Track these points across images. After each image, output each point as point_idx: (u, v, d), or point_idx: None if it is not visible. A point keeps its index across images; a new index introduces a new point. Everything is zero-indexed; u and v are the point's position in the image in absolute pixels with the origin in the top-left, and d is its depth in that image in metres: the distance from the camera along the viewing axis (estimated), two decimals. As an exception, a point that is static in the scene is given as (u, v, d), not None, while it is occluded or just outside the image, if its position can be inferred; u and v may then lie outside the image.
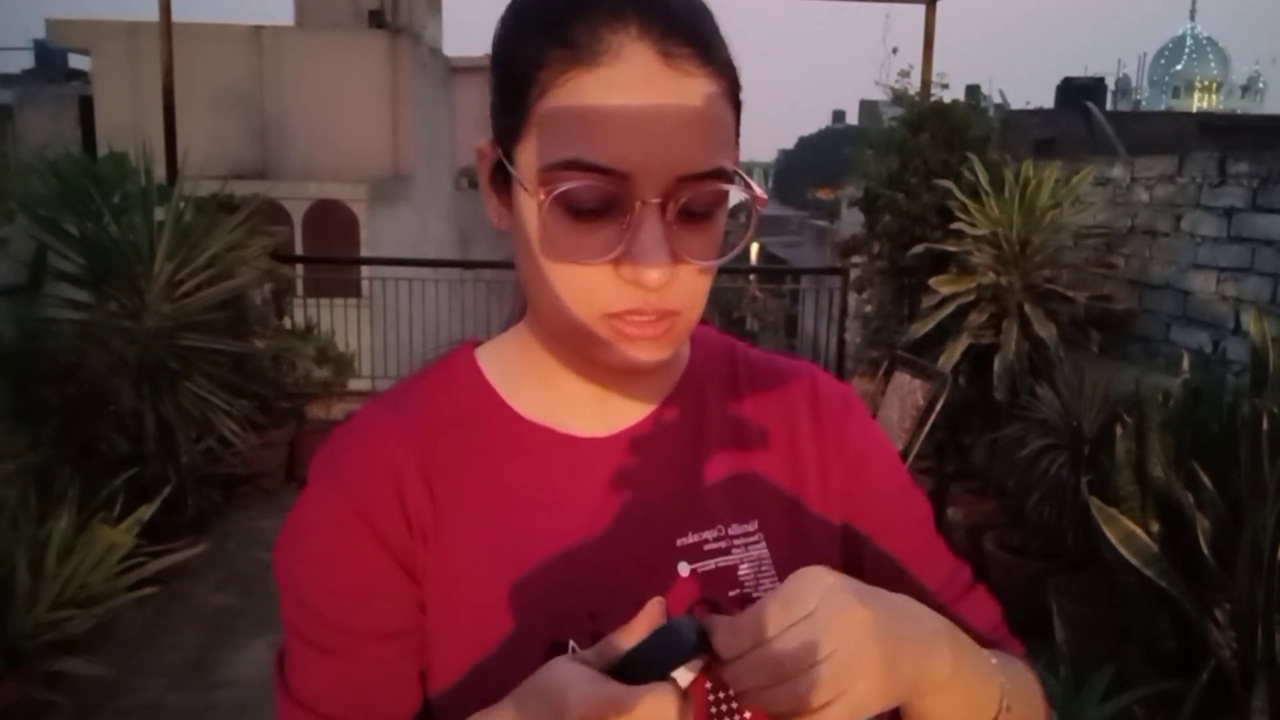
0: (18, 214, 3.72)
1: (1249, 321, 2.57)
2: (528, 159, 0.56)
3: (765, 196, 0.60)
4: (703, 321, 0.75)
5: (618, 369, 0.60)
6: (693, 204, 0.56)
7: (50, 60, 19.37)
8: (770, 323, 6.15)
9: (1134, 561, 2.37)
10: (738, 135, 0.60)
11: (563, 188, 0.54)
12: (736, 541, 0.65)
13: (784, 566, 0.65)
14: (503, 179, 0.60)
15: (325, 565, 0.60)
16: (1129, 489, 2.53)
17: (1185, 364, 2.84)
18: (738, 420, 0.69)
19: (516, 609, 0.60)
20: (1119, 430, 2.58)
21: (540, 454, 0.64)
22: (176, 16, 4.85)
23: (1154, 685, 2.20)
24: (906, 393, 3.66)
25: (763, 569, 0.65)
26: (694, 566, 0.63)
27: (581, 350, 0.60)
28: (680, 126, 0.54)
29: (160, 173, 4.35)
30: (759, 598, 0.61)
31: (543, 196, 0.55)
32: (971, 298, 3.78)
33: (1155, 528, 2.46)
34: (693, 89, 0.55)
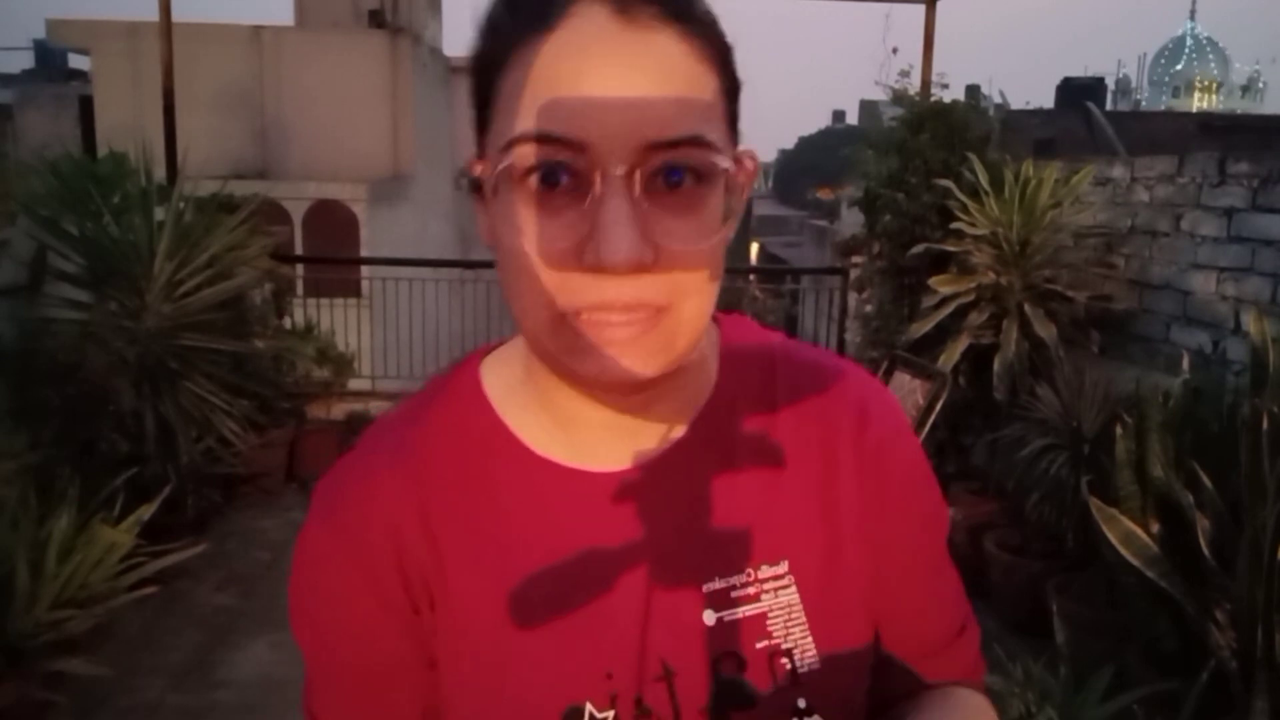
0: (18, 215, 3.72)
1: (1249, 321, 2.57)
2: (489, 147, 0.51)
3: (756, 165, 0.54)
4: (739, 313, 0.68)
5: (601, 383, 0.52)
6: (669, 178, 0.49)
7: (50, 60, 19.39)
8: (770, 323, 6.14)
9: (1134, 561, 2.37)
10: (733, 111, 0.53)
11: (509, 162, 0.48)
12: (766, 586, 0.58)
13: (815, 611, 0.59)
14: (477, 184, 0.55)
15: (330, 607, 0.58)
16: (1129, 489, 2.53)
17: (1185, 364, 2.84)
18: (772, 445, 0.61)
19: (529, 669, 0.56)
20: (1119, 430, 2.58)
21: (550, 494, 0.58)
22: (176, 16, 4.85)
23: (1154, 685, 2.20)
24: (906, 393, 3.66)
25: (793, 616, 0.58)
26: (720, 615, 0.57)
27: (559, 364, 0.53)
28: (645, 87, 0.47)
29: (160, 173, 4.35)
30: (787, 649, 0.58)
31: (492, 175, 0.49)
32: (971, 298, 3.78)
33: (1155, 528, 2.46)
34: (657, 46, 0.48)
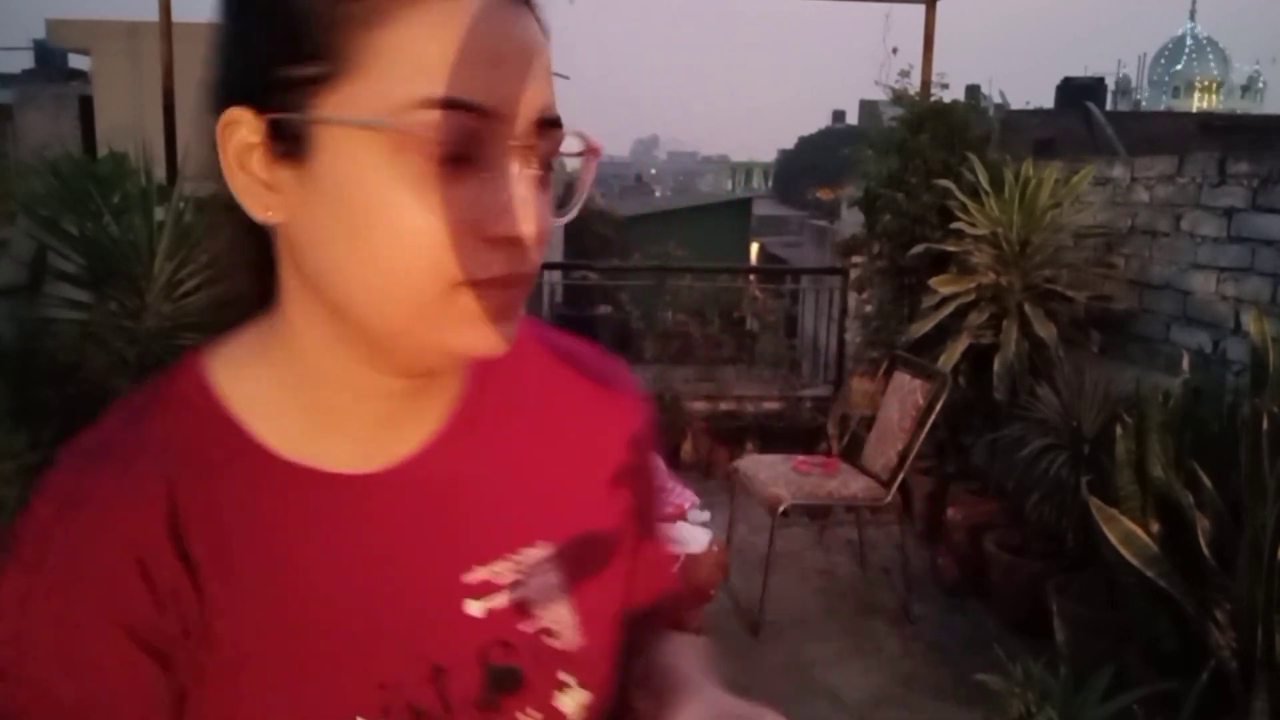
0: (18, 215, 3.73)
1: (1249, 321, 2.57)
2: (357, 106, 0.46)
3: (600, 147, 0.53)
4: None
5: (467, 354, 0.51)
6: (547, 155, 0.50)
7: (50, 60, 19.37)
8: (770, 323, 6.14)
9: (1134, 561, 2.37)
10: None
11: (406, 127, 0.45)
12: (528, 570, 0.59)
13: (576, 588, 0.60)
14: (285, 146, 0.48)
15: (62, 670, 0.47)
16: (1129, 489, 2.53)
17: (1185, 364, 2.84)
18: (529, 429, 0.61)
19: (300, 691, 0.52)
20: (1119, 430, 2.58)
21: (305, 501, 0.53)
22: (176, 16, 4.85)
23: (1154, 685, 2.20)
24: (906, 393, 3.66)
25: (555, 595, 0.59)
26: (485, 604, 0.57)
27: (413, 342, 0.50)
28: (536, 65, 0.48)
29: (160, 173, 4.35)
30: (551, 628, 0.59)
31: (402, 142, 0.46)
32: (971, 298, 3.78)
33: (1155, 528, 2.46)
34: (534, 26, 0.49)
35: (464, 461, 0.58)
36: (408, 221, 0.46)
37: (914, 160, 4.28)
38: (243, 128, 0.48)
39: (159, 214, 3.91)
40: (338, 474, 0.54)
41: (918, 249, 4.09)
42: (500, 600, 0.58)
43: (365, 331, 0.51)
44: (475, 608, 0.57)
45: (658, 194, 47.57)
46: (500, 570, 0.58)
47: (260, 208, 0.50)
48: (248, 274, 0.56)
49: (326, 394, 0.54)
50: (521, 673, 0.58)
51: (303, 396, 0.54)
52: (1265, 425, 2.06)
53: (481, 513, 0.58)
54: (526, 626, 0.58)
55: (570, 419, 0.64)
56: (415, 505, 0.56)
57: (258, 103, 0.48)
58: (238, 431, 0.53)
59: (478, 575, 0.57)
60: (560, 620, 0.60)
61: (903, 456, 3.48)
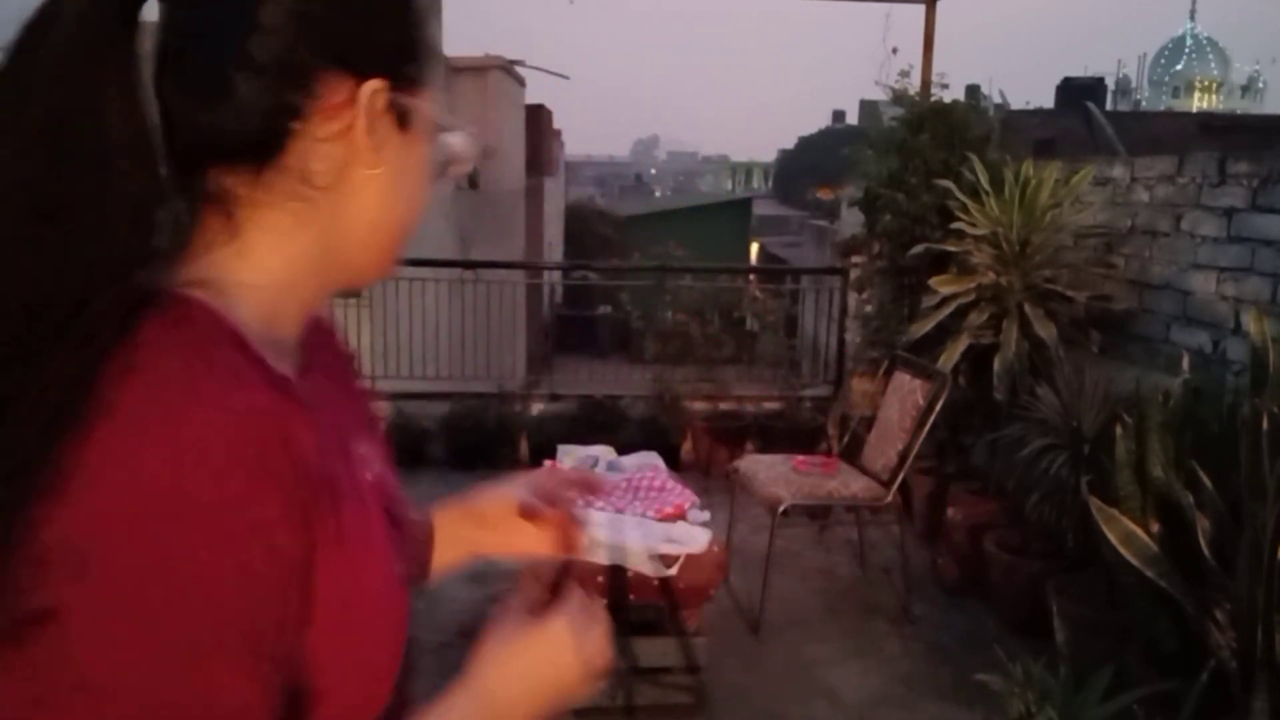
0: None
1: (1249, 321, 2.57)
2: (427, 108, 0.67)
3: None
4: None
5: (381, 279, 0.73)
6: None
7: (50, 60, 19.37)
8: (770, 323, 6.13)
9: (1134, 561, 2.37)
10: None
11: (463, 136, 0.72)
12: (370, 447, 0.74)
13: (386, 458, 0.77)
14: (401, 121, 0.65)
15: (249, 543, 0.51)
16: (1129, 489, 2.53)
17: (1185, 364, 2.84)
18: (314, 348, 0.73)
19: (378, 557, 0.64)
20: (1119, 430, 2.58)
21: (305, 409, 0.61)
22: (176, 16, 4.85)
23: (1154, 685, 2.20)
24: (906, 393, 3.66)
25: (385, 462, 0.75)
26: (377, 471, 0.72)
27: (381, 267, 0.70)
28: None
29: (160, 173, 4.35)
30: (395, 482, 0.76)
31: (433, 136, 0.69)
32: (971, 298, 3.78)
33: (1155, 528, 2.46)
34: None
35: (316, 365, 0.71)
36: (425, 190, 0.69)
37: (914, 160, 4.28)
38: (379, 95, 0.62)
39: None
40: (294, 380, 0.64)
41: (918, 249, 4.09)
42: (373, 468, 0.72)
43: (368, 259, 0.69)
44: (370, 476, 0.70)
45: (658, 194, 47.56)
46: (363, 448, 0.72)
47: (373, 161, 0.64)
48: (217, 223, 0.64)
49: (285, 317, 0.66)
50: (404, 513, 0.77)
51: (269, 319, 0.64)
52: (1265, 425, 2.07)
53: (343, 404, 0.73)
54: (389, 486, 0.75)
55: (322, 341, 0.77)
56: (324, 405, 0.66)
57: (388, 78, 0.63)
58: (259, 356, 0.59)
59: (360, 451, 0.71)
60: (392, 478, 0.77)
61: (903, 456, 3.48)
